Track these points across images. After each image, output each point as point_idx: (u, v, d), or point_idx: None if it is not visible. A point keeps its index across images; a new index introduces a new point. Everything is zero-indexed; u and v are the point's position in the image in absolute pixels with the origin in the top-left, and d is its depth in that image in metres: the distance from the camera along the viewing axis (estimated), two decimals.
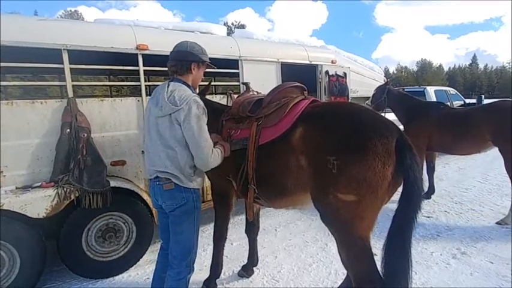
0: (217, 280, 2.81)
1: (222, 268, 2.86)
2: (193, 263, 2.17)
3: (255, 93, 2.92)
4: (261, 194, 2.28)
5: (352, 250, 1.83)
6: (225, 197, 2.68)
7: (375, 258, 1.83)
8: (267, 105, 2.32)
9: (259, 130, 2.24)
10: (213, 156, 2.01)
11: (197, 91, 2.42)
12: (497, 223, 3.94)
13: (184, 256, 2.09)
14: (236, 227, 4.04)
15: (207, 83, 2.98)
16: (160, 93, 2.05)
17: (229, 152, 2.27)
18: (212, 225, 2.83)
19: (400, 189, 1.78)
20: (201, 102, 2.02)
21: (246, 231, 3.02)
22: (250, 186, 2.28)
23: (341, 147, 1.79)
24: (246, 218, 2.93)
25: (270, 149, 2.16)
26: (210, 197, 3.19)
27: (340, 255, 1.94)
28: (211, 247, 2.83)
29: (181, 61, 2.10)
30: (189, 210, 2.06)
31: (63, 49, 2.89)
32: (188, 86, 2.12)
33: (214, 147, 2.08)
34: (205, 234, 3.88)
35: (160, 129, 2.01)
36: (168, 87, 2.04)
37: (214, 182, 2.74)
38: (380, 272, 1.77)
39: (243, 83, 3.33)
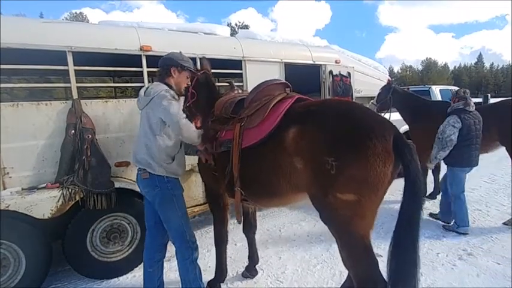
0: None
1: (226, 272, 2.86)
2: (193, 243, 2.34)
3: (240, 91, 2.86)
4: (248, 195, 2.23)
5: (353, 249, 1.81)
6: (217, 197, 2.67)
7: (379, 259, 1.82)
8: (248, 105, 2.28)
9: (242, 131, 2.19)
10: (185, 122, 2.12)
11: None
12: (503, 223, 3.90)
13: (179, 238, 2.31)
14: (239, 227, 3.99)
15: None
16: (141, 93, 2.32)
17: (209, 148, 2.36)
18: None
19: (401, 188, 1.76)
20: (171, 92, 2.23)
21: (244, 231, 3.02)
22: (236, 188, 2.22)
23: (339, 147, 1.74)
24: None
25: (258, 151, 2.09)
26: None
27: (341, 255, 1.91)
28: (215, 248, 2.82)
29: (162, 66, 2.37)
30: (168, 198, 2.25)
31: (68, 51, 2.91)
32: (170, 86, 2.32)
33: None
34: (210, 235, 3.88)
35: (142, 123, 2.27)
36: (148, 87, 2.32)
37: (206, 182, 2.73)
38: (387, 272, 1.75)
39: (227, 82, 3.19)
